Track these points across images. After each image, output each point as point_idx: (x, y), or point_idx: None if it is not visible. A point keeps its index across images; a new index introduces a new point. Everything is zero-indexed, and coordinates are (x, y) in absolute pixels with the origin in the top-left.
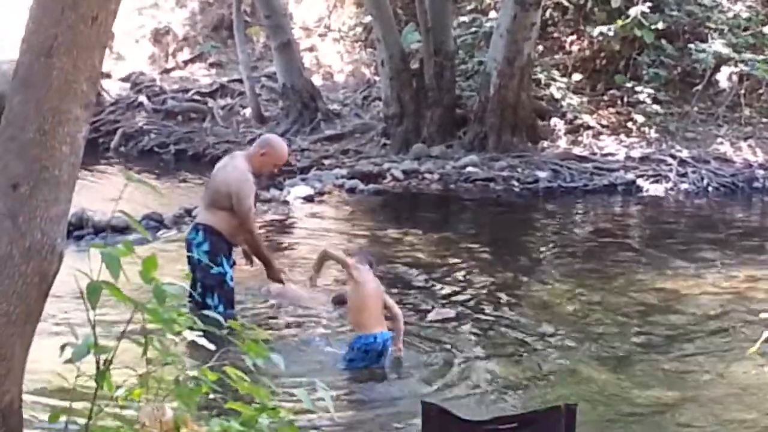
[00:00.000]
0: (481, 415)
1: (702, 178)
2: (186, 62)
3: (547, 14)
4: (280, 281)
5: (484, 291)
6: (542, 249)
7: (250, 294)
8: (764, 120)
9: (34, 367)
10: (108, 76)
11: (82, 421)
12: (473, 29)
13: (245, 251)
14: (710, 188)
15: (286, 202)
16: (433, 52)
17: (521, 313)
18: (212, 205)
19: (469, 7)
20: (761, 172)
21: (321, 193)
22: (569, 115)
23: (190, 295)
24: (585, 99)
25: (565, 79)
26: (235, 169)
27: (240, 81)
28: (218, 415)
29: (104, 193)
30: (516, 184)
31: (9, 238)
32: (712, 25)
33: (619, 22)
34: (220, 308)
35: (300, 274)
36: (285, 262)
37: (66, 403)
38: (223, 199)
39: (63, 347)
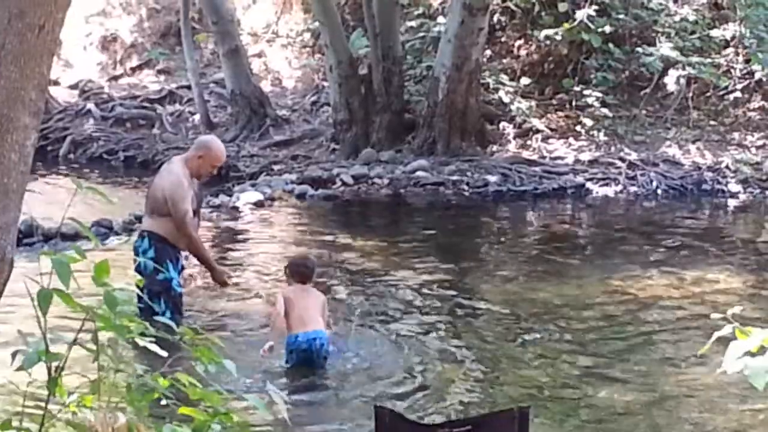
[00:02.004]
0: (434, 418)
1: (651, 181)
2: (134, 69)
3: (495, 19)
4: (225, 283)
5: (435, 295)
6: (492, 252)
7: (200, 298)
8: (712, 122)
9: None
10: (56, 83)
11: (35, 428)
12: (421, 34)
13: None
14: (659, 191)
15: (235, 208)
16: (381, 57)
17: (472, 317)
18: (153, 211)
19: (416, 12)
20: (709, 174)
21: (271, 199)
22: (518, 119)
23: (140, 300)
24: (533, 103)
25: (513, 84)
26: (170, 173)
27: (188, 87)
28: (171, 421)
29: (53, 200)
30: (466, 188)
31: None
32: (660, 29)
33: (567, 26)
34: (168, 314)
35: (250, 280)
36: (238, 268)
37: (18, 411)
38: (161, 205)
39: (14, 355)
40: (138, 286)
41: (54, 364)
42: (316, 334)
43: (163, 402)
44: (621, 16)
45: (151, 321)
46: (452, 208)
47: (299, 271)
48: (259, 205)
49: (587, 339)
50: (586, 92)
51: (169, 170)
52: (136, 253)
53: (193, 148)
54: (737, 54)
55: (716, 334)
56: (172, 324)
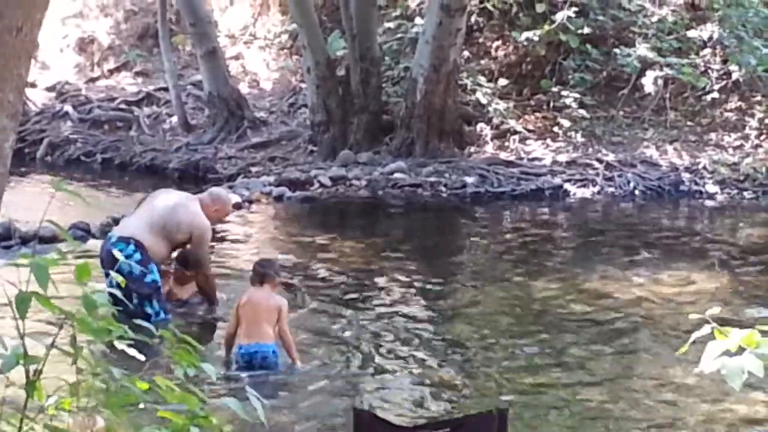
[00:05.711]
0: (412, 420)
1: (628, 182)
2: (111, 71)
3: (473, 20)
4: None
5: (412, 297)
6: (470, 254)
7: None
8: (689, 123)
9: None
10: (33, 85)
11: None
12: (399, 35)
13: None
14: (637, 192)
15: None
16: (358, 58)
17: (449, 319)
18: (160, 230)
19: (394, 14)
20: (687, 175)
21: (248, 201)
22: (496, 121)
23: (117, 302)
24: (511, 104)
25: (491, 85)
26: (197, 215)
27: (166, 89)
28: (150, 423)
29: (31, 203)
30: (443, 189)
31: None
32: (637, 30)
33: (546, 28)
34: (162, 315)
35: (229, 282)
36: (214, 271)
37: None
38: (180, 234)
39: None
40: (120, 288)
41: (32, 367)
42: (258, 348)
43: (141, 405)
44: (599, 17)
45: (133, 324)
46: (430, 209)
47: (254, 272)
48: (237, 207)
49: (566, 340)
50: (563, 93)
51: (197, 212)
52: (107, 261)
53: (210, 198)
54: (714, 54)
55: (695, 335)
56: (151, 327)
